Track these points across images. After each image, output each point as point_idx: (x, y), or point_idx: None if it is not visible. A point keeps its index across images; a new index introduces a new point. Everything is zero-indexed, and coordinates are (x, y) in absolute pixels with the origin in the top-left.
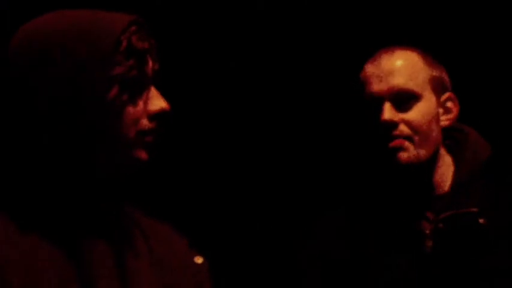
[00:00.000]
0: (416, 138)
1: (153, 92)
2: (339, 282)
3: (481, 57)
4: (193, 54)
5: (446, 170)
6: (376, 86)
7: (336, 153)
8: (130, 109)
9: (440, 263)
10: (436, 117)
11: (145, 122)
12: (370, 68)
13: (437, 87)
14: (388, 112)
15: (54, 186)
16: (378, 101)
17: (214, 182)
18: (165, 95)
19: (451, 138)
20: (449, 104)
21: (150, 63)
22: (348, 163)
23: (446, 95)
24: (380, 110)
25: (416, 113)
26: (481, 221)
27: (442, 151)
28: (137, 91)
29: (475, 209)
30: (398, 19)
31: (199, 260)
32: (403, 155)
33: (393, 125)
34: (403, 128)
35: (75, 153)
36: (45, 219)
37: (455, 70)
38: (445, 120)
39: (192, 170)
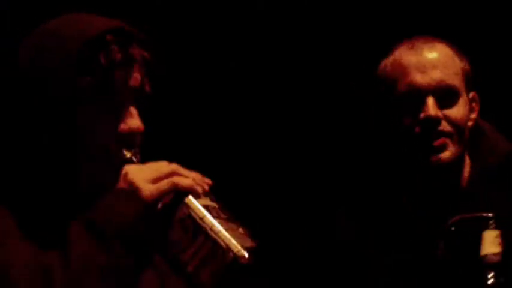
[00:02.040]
0: (455, 136)
1: (128, 109)
2: (347, 280)
3: (502, 53)
4: (194, 54)
5: (465, 169)
6: (420, 78)
7: (342, 152)
8: (98, 126)
9: (449, 267)
10: (469, 115)
11: (114, 142)
12: (409, 57)
13: (469, 84)
14: (433, 108)
15: (37, 199)
16: (418, 93)
17: (214, 182)
18: (165, 95)
19: (471, 136)
20: (473, 104)
21: (129, 80)
22: (361, 160)
23: (472, 94)
24: (420, 103)
25: (458, 110)
26: (492, 226)
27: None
28: (107, 107)
29: (486, 214)
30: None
31: None
32: (446, 154)
33: (438, 121)
34: (445, 126)
35: (52, 162)
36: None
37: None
38: (470, 119)
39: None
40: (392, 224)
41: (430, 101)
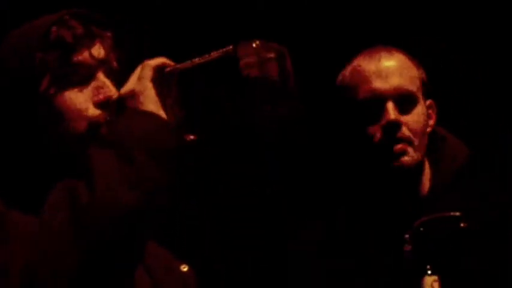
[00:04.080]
0: (415, 141)
1: (100, 80)
2: (322, 284)
3: (456, 60)
4: (193, 54)
5: (426, 174)
6: (379, 84)
7: (323, 155)
8: (72, 99)
9: (419, 268)
10: (427, 122)
11: (92, 111)
12: (368, 65)
13: (425, 92)
14: (393, 112)
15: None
16: (378, 100)
17: (203, 189)
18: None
19: (430, 141)
20: (430, 111)
21: (93, 52)
22: (334, 165)
23: (428, 102)
24: (380, 109)
25: (416, 116)
26: (462, 225)
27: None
28: (77, 80)
29: (457, 213)
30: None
31: (184, 268)
32: (406, 159)
33: (398, 126)
34: (405, 131)
35: (29, 144)
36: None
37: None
38: (428, 126)
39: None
40: (375, 228)
41: (390, 106)
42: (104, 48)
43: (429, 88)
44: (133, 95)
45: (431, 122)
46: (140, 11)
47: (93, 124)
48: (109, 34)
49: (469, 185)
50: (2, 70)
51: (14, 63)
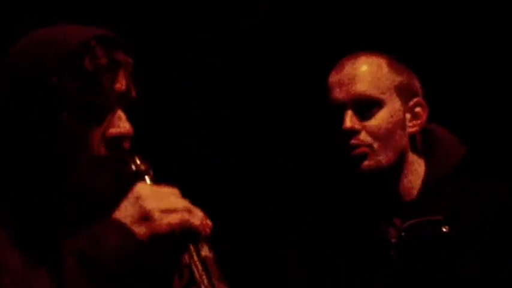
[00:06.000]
0: (375, 145)
1: (117, 114)
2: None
3: (456, 62)
4: (192, 55)
5: (416, 176)
6: (338, 93)
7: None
8: (86, 132)
9: (404, 272)
10: (402, 123)
11: (101, 149)
12: (333, 76)
13: (404, 93)
14: (349, 120)
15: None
16: (340, 108)
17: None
18: (163, 96)
19: (426, 142)
20: (417, 110)
21: (115, 84)
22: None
23: (415, 100)
24: (342, 117)
25: (378, 120)
26: (444, 229)
27: (412, 157)
28: (94, 112)
29: (439, 217)
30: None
31: None
32: (366, 163)
33: (354, 133)
34: (363, 137)
35: (39, 171)
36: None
37: (434, 77)
38: (412, 126)
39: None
40: (359, 232)
41: (347, 114)
42: (126, 79)
43: (413, 89)
44: (147, 213)
45: (417, 121)
46: (139, 11)
47: (101, 158)
48: (130, 60)
49: (458, 187)
50: (13, 82)
51: (27, 82)
